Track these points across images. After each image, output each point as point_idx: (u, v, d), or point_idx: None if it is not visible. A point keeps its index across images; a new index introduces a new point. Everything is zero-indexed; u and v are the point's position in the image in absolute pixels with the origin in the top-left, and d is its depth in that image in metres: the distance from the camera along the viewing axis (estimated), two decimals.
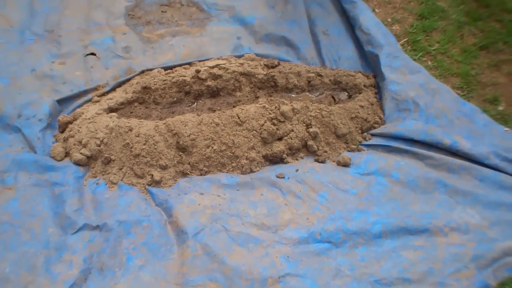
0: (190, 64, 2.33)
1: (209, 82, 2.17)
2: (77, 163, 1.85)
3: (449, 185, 1.90)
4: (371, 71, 2.39)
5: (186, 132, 1.84)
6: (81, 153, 1.84)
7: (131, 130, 1.85)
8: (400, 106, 2.18)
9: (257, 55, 2.40)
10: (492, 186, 1.92)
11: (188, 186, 1.82)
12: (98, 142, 1.84)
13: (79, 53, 2.28)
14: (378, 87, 2.31)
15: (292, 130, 1.97)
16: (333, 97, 2.27)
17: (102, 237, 1.62)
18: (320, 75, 2.25)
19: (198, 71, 2.16)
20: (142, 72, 2.25)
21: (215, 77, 2.18)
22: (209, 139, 1.87)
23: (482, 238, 1.74)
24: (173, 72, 2.21)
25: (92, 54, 2.29)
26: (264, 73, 2.23)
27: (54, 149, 1.88)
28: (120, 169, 1.83)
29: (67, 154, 1.89)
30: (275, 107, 1.97)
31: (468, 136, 2.07)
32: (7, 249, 1.54)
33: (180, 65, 2.32)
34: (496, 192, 1.89)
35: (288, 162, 1.96)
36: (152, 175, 1.81)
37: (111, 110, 2.01)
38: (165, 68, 2.29)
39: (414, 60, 2.48)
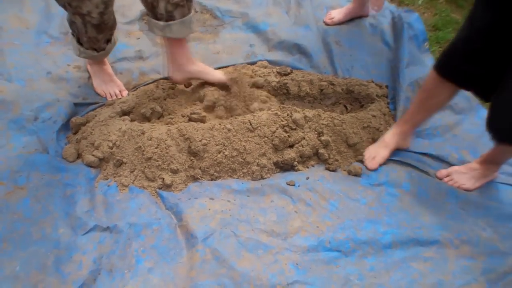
0: None
1: None
2: (89, 165, 1.86)
3: (460, 197, 1.89)
4: (383, 81, 2.40)
5: (198, 137, 1.85)
6: (93, 155, 1.85)
7: (143, 133, 1.86)
8: None
9: (269, 62, 2.41)
10: (504, 199, 1.91)
11: (199, 190, 1.82)
12: (111, 144, 1.85)
13: None
14: (391, 98, 2.31)
15: (304, 138, 1.97)
16: (345, 106, 2.27)
17: (112, 239, 1.63)
18: (333, 84, 2.25)
19: None
20: (157, 81, 2.25)
21: None
22: (221, 144, 1.87)
23: (493, 251, 1.72)
24: None
25: None
26: (277, 80, 2.23)
27: (67, 151, 1.89)
28: (132, 172, 1.84)
29: (79, 156, 1.91)
30: (287, 115, 1.98)
31: (475, 152, 2.08)
32: (18, 247, 1.55)
33: None
34: (508, 205, 1.88)
35: (299, 170, 1.96)
36: (163, 178, 1.81)
37: (124, 113, 2.03)
38: None
39: None
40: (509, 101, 1.55)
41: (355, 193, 1.89)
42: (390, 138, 2.02)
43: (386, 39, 2.62)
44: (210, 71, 2.13)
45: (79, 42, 1.95)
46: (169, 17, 1.85)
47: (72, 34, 1.95)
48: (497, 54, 1.55)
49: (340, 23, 2.70)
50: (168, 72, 2.13)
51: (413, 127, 2.02)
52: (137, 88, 2.21)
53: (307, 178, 1.91)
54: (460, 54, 1.64)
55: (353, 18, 2.72)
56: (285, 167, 1.97)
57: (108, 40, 1.99)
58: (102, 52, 2.01)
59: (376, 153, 2.02)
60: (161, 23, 1.86)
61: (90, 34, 1.86)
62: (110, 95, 2.15)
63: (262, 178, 1.92)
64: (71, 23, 1.86)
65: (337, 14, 2.70)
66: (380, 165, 2.01)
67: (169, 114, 2.06)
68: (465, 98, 2.31)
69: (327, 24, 2.70)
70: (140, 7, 2.61)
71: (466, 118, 2.27)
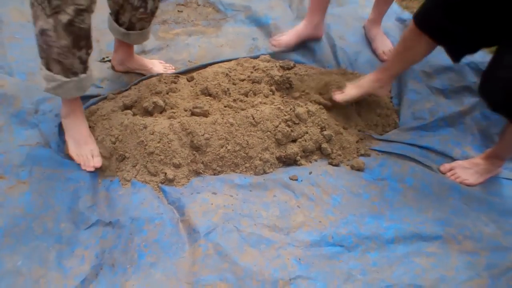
0: (205, 66, 2.33)
1: None
2: None
3: (463, 192, 1.89)
4: None
5: (200, 132, 1.84)
6: None
7: (145, 127, 1.85)
8: (416, 115, 2.20)
9: (272, 56, 2.40)
10: (507, 195, 1.91)
11: (201, 185, 1.81)
12: (113, 139, 1.84)
13: (94, 51, 2.27)
14: (395, 92, 2.30)
15: (307, 132, 1.96)
16: None
17: (114, 234, 1.62)
18: None
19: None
20: (159, 75, 2.24)
21: None
22: (223, 139, 1.87)
23: (496, 247, 1.72)
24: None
25: (108, 60, 2.30)
26: (280, 74, 2.22)
27: None
28: (134, 166, 1.84)
29: None
30: (290, 109, 1.97)
31: (478, 146, 2.08)
32: (19, 242, 1.55)
33: (196, 69, 2.33)
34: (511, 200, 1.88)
35: (302, 164, 1.95)
36: (166, 173, 1.81)
37: (126, 107, 2.02)
38: (182, 73, 2.29)
39: None
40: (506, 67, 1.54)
41: (358, 188, 1.88)
42: (366, 82, 2.02)
43: (388, 34, 2.60)
44: (151, 68, 2.27)
45: (48, 67, 1.67)
46: (130, 27, 1.99)
47: (41, 58, 1.67)
48: (477, 13, 1.55)
49: (290, 46, 2.44)
50: (112, 61, 2.25)
51: (391, 77, 2.02)
52: (139, 82, 2.20)
53: (310, 173, 1.90)
54: (440, 9, 1.63)
55: (305, 41, 2.48)
56: (288, 161, 1.96)
57: (84, 62, 1.68)
58: (75, 79, 1.68)
59: (346, 90, 2.04)
60: (122, 29, 1.99)
61: (63, 43, 1.56)
62: (83, 159, 1.81)
63: (265, 172, 1.91)
64: (40, 34, 1.56)
65: (285, 36, 2.44)
66: (347, 102, 2.03)
67: (172, 108, 2.05)
68: None
69: (274, 46, 2.44)
70: None
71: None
